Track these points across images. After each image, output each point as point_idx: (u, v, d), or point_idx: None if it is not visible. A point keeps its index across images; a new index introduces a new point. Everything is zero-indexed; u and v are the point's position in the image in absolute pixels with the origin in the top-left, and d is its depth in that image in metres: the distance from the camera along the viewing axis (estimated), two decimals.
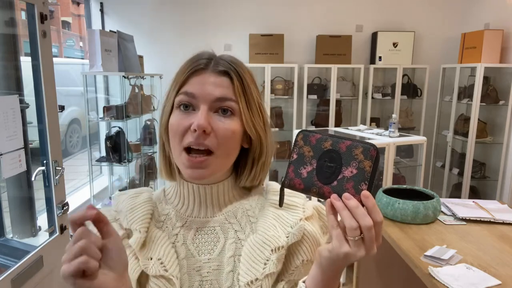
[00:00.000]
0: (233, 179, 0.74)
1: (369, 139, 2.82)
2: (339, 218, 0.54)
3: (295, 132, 3.23)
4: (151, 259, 0.66)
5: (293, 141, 0.58)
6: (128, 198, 0.72)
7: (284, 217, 0.70)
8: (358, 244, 0.51)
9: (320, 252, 0.56)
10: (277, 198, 0.70)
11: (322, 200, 0.57)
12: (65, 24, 13.06)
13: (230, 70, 0.67)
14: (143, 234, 0.66)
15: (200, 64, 0.67)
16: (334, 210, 0.53)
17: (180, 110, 0.67)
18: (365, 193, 0.52)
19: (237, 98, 0.66)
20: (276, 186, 0.75)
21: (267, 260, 0.65)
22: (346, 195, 0.52)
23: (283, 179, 0.59)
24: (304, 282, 0.61)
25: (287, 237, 0.67)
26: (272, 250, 0.65)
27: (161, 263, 0.65)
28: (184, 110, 0.66)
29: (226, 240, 0.70)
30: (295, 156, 0.58)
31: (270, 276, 0.65)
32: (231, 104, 0.66)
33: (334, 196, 0.53)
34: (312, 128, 3.93)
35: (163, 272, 0.65)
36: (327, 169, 0.55)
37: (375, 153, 0.52)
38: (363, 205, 0.52)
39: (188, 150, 0.65)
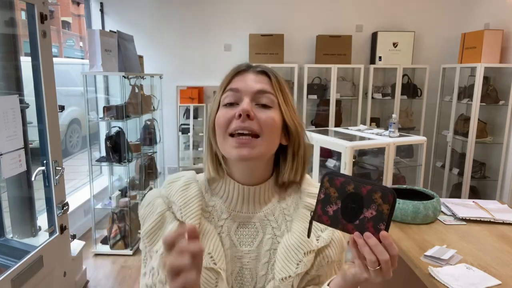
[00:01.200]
0: (274, 179, 0.82)
1: (369, 139, 2.82)
2: None
3: None
4: None
5: (320, 182, 0.66)
6: (179, 191, 0.78)
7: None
8: (377, 273, 0.61)
9: (345, 271, 0.66)
10: (310, 200, 0.79)
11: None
12: (65, 24, 13.05)
13: (268, 71, 0.79)
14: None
15: (242, 67, 0.79)
16: (356, 244, 0.62)
17: (225, 106, 0.76)
18: (384, 233, 0.60)
19: (275, 93, 0.76)
20: (311, 187, 0.83)
21: (300, 262, 0.75)
22: (367, 234, 0.61)
23: (312, 214, 0.67)
24: (328, 285, 0.71)
25: (317, 240, 0.77)
26: (304, 253, 0.75)
27: (211, 257, 0.74)
28: (229, 106, 0.75)
29: (264, 235, 0.80)
30: (322, 196, 0.65)
31: (300, 275, 0.76)
32: (270, 97, 0.76)
33: (356, 234, 0.62)
34: (312, 128, 3.93)
35: (212, 265, 0.74)
36: (350, 209, 0.63)
37: (393, 198, 0.61)
38: (380, 242, 0.60)
39: (233, 136, 0.74)
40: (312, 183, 0.84)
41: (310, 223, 0.67)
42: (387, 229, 0.60)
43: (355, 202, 0.62)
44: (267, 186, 0.81)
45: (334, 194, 0.64)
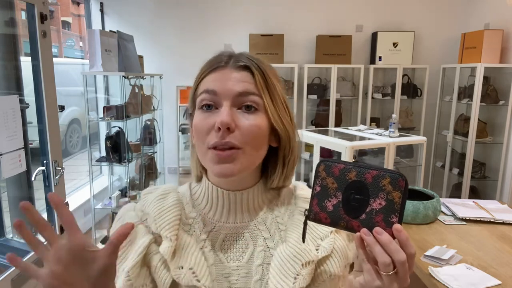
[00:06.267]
0: (262, 183, 0.71)
1: (369, 139, 2.82)
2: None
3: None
4: (182, 268, 0.63)
5: (314, 172, 0.56)
6: (155, 201, 0.68)
7: (315, 227, 0.68)
8: (392, 279, 0.50)
9: (351, 282, 0.56)
10: (306, 206, 0.62)
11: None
12: (65, 24, 13.05)
13: (251, 65, 0.64)
14: (173, 242, 0.64)
15: (221, 62, 0.65)
16: (364, 244, 0.52)
17: (202, 110, 0.64)
18: (397, 226, 0.49)
19: (260, 92, 0.64)
20: (305, 191, 0.73)
21: (297, 275, 0.63)
22: (377, 229, 0.50)
23: (306, 213, 0.56)
24: None
25: (316, 249, 0.66)
26: (302, 265, 0.63)
27: (193, 272, 0.63)
28: (207, 110, 0.64)
29: (255, 248, 0.68)
30: (318, 189, 0.55)
31: None
32: (255, 99, 0.63)
33: (364, 231, 0.51)
34: (312, 128, 3.93)
35: (195, 282, 0.63)
36: (354, 201, 0.52)
37: (404, 184, 0.50)
38: (394, 238, 0.50)
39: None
40: (303, 187, 0.75)
41: (305, 224, 0.57)
42: (400, 222, 0.49)
43: (359, 193, 0.52)
44: (256, 191, 0.70)
45: (332, 185, 0.53)
